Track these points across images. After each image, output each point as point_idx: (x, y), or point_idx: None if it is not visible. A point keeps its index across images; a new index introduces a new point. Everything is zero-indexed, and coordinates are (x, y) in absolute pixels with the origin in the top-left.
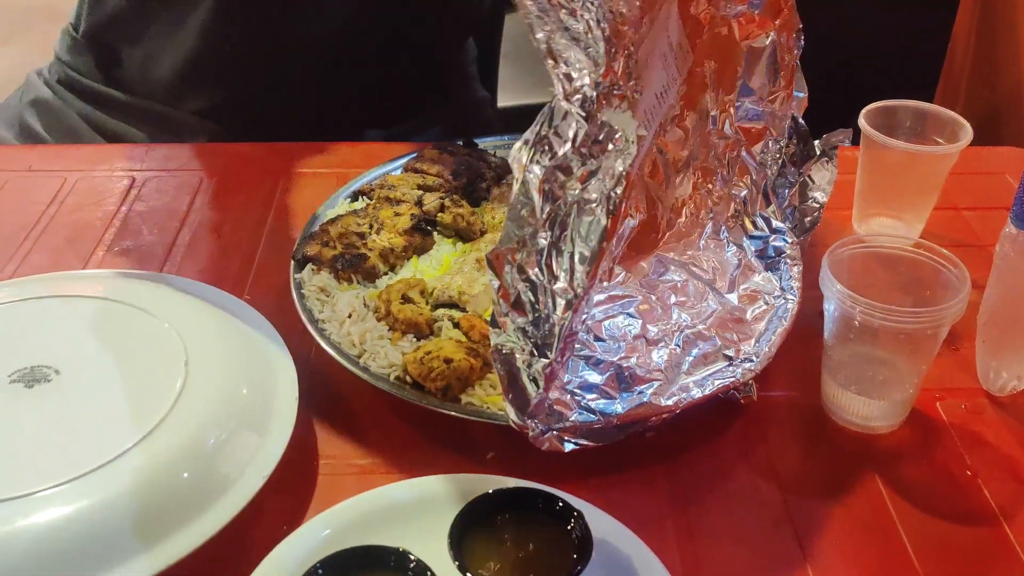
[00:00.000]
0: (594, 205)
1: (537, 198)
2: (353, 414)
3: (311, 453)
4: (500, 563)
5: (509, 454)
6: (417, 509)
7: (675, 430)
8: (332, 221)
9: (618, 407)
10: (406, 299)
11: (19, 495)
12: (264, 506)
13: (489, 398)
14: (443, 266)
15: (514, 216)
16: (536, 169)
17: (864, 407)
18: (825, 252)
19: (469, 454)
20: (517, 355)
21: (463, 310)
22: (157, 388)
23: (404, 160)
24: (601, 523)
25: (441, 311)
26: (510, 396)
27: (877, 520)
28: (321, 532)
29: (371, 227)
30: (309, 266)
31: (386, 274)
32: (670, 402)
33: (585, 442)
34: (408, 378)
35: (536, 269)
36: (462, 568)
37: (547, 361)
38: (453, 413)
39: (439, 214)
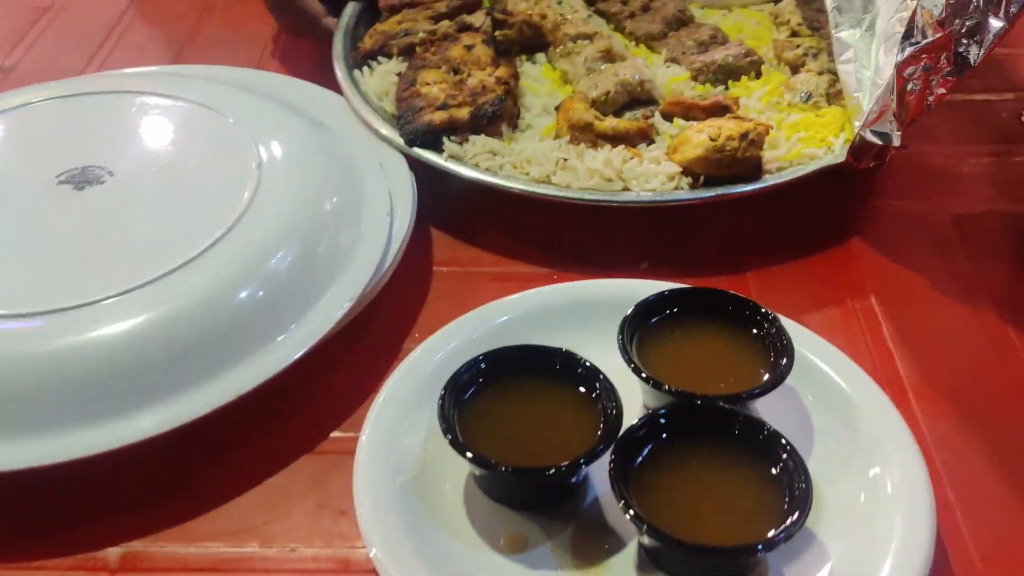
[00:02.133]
0: None
1: None
2: (479, 223)
3: (426, 261)
4: (680, 367)
5: (666, 262)
6: (574, 312)
7: None
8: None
9: None
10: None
11: (77, 304)
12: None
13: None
14: (553, 82)
15: None
16: None
17: None
18: None
19: (620, 266)
20: None
21: (648, 102)
22: (223, 196)
23: None
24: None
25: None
26: None
27: None
28: (471, 332)
29: (458, 72)
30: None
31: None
32: None
33: None
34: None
35: None
36: (637, 370)
37: None
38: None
39: (497, 32)
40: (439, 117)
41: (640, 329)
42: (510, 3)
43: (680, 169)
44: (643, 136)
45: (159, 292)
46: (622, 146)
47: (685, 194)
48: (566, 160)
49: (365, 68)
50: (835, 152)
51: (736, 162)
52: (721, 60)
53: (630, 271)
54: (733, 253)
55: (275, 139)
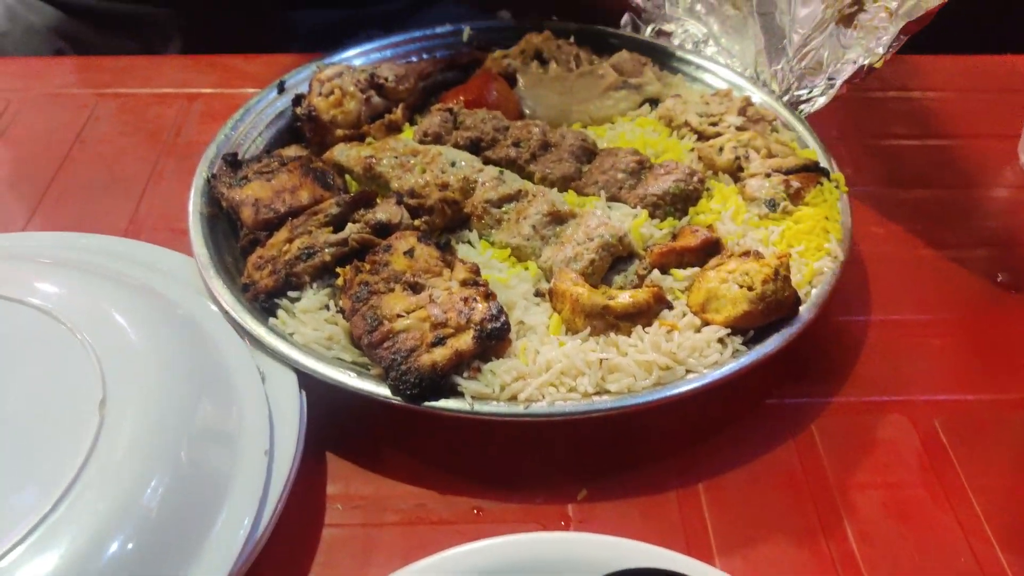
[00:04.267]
0: None
1: None
2: (386, 447)
3: (317, 500)
4: None
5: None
6: None
7: None
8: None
9: None
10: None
11: None
12: None
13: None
14: (508, 264)
15: None
16: None
17: None
18: None
19: (553, 495)
20: None
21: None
22: (53, 452)
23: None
24: None
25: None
26: None
27: None
28: None
29: (417, 289)
30: None
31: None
32: None
33: None
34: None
35: None
36: None
37: None
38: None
39: (417, 221)
40: (443, 355)
41: None
42: (394, 181)
43: (728, 330)
44: (662, 303)
45: None
46: (657, 324)
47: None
48: (604, 359)
49: (280, 312)
50: (838, 257)
51: (780, 305)
52: (672, 188)
53: (563, 502)
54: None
55: (127, 363)
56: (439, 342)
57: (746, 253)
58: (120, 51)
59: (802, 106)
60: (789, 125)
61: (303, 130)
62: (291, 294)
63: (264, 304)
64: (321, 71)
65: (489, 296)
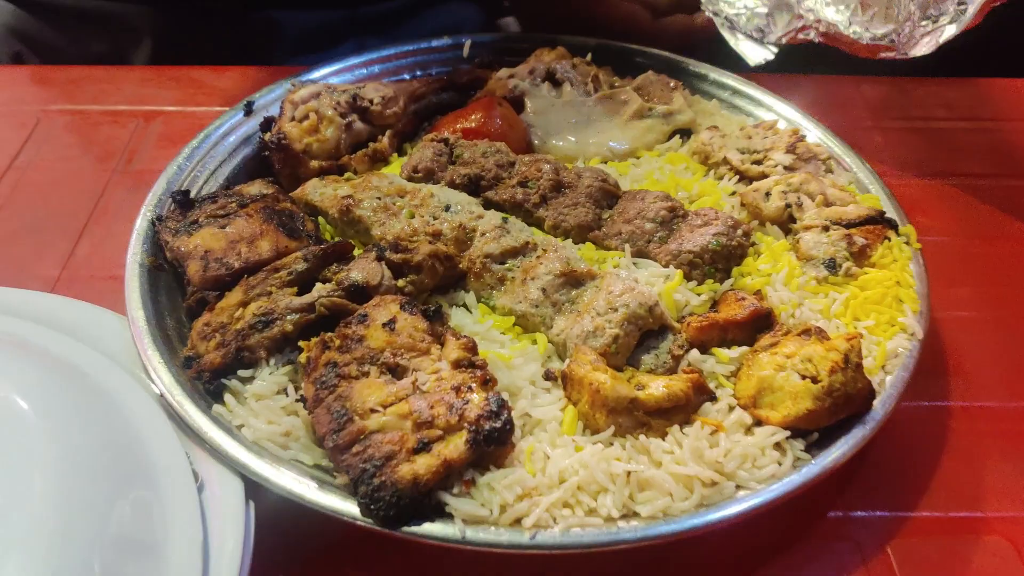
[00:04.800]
0: None
1: None
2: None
3: None
4: None
5: None
6: None
7: None
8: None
9: None
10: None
11: None
12: None
13: None
14: (512, 334)
15: None
16: None
17: None
18: None
19: None
20: None
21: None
22: None
23: None
24: None
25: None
26: None
27: None
28: None
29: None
30: None
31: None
32: None
33: None
34: None
35: None
36: None
37: None
38: None
39: (401, 282)
40: (427, 466)
41: None
42: (376, 227)
43: (787, 432)
44: (703, 393)
45: None
46: (697, 423)
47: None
48: (633, 472)
49: (228, 396)
50: (915, 335)
51: (850, 401)
52: (712, 244)
53: None
54: None
55: (25, 457)
56: (423, 448)
57: (806, 331)
58: (84, 55)
59: (924, 39)
60: (842, 163)
61: (271, 160)
62: (243, 373)
63: (209, 385)
64: (295, 90)
65: (487, 383)
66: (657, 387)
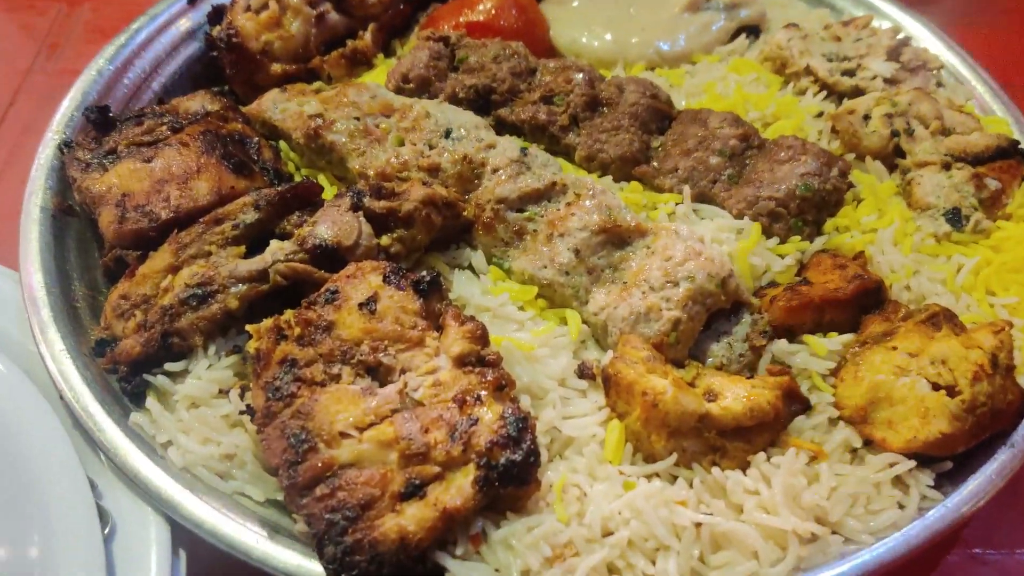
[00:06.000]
0: None
1: None
2: None
3: None
4: None
5: None
6: None
7: None
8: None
9: None
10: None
11: None
12: None
13: None
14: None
15: None
16: None
17: None
18: None
19: None
20: None
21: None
22: None
23: None
24: None
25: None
26: None
27: None
28: None
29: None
30: None
31: None
32: None
33: None
34: None
35: None
36: None
37: None
38: None
39: (386, 239)
40: (418, 520)
41: None
42: (353, 157)
43: (912, 462)
44: (794, 401)
45: None
46: (791, 450)
47: None
48: (704, 524)
49: (152, 398)
50: None
51: (998, 417)
52: (801, 189)
53: None
54: None
55: None
56: (413, 491)
57: (932, 316)
58: None
59: None
60: (958, 76)
61: (220, 63)
62: (171, 366)
63: (126, 382)
64: None
65: (503, 389)
66: (736, 397)
